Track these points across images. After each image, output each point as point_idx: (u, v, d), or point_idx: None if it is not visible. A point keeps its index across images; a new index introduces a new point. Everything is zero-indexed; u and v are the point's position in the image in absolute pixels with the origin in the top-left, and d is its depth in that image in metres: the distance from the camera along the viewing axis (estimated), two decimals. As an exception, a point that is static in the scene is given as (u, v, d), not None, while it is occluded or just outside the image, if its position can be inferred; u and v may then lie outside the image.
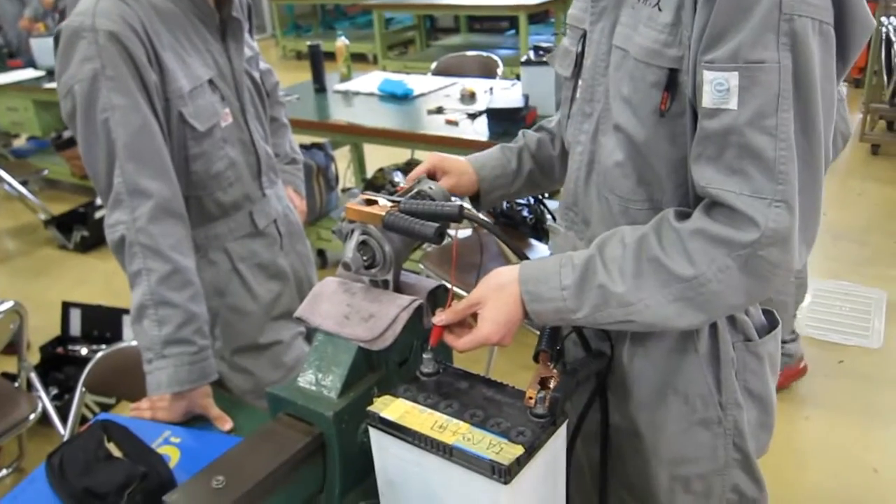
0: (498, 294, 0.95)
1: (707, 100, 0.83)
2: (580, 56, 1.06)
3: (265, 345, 1.49)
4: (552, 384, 0.89)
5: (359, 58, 7.57)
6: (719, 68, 0.82)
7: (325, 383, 1.01)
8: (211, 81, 1.34)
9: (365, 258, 1.04)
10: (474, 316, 0.97)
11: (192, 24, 1.33)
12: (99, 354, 1.70)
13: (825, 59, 0.82)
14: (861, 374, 2.71)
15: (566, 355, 1.10)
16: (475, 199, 1.24)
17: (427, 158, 1.21)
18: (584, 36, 1.05)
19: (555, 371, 0.92)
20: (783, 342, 2.54)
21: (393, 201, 1.03)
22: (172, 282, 1.24)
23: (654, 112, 0.91)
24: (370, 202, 1.04)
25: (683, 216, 0.89)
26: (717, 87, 0.82)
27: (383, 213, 0.99)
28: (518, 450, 0.81)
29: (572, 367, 0.96)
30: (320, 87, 3.61)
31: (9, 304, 2.01)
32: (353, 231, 1.05)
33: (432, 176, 1.19)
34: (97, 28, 1.19)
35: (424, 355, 0.97)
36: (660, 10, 0.89)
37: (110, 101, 1.19)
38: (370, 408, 0.91)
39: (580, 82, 1.06)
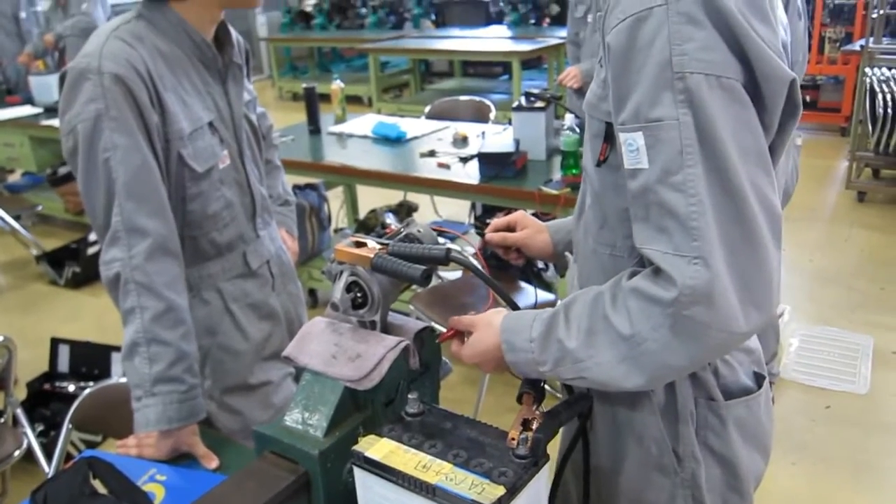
0: (485, 330, 1.02)
1: (626, 161, 0.85)
2: None
3: (255, 385, 1.50)
4: (534, 425, 0.91)
5: (354, 100, 7.68)
6: (628, 129, 0.84)
7: (311, 422, 1.03)
8: (211, 124, 1.37)
9: (353, 299, 1.06)
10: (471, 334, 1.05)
11: (195, 68, 1.36)
12: (87, 391, 1.71)
13: (735, 113, 0.81)
14: (848, 419, 2.72)
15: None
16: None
17: (513, 214, 1.29)
18: None
19: (537, 413, 0.93)
20: None
21: (381, 243, 1.06)
22: (165, 320, 1.25)
23: (596, 162, 0.96)
24: (359, 244, 1.06)
25: (633, 275, 0.90)
26: (630, 148, 0.84)
27: (372, 255, 1.02)
28: (499, 490, 0.82)
29: (555, 409, 0.98)
30: (315, 128, 3.66)
31: (-2, 339, 2.02)
32: (342, 272, 1.07)
33: (513, 228, 1.28)
34: (103, 70, 1.22)
35: (410, 396, 0.98)
36: (601, 66, 0.93)
37: (112, 140, 1.22)
38: (355, 447, 0.92)
39: None
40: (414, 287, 2.98)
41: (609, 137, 0.92)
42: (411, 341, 1.06)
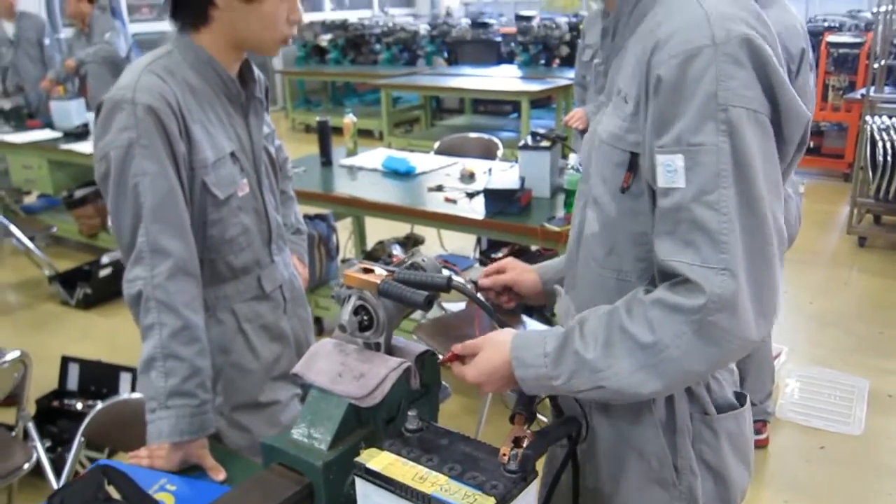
0: (492, 349, 1.07)
1: (660, 180, 0.95)
2: None
3: (264, 403, 1.56)
4: (525, 443, 0.97)
5: (365, 133, 7.80)
6: (667, 151, 0.93)
7: (316, 436, 1.09)
8: (233, 154, 1.46)
9: (360, 322, 1.14)
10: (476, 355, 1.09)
11: (220, 101, 1.46)
12: (99, 406, 1.77)
13: (763, 144, 0.93)
14: (841, 460, 2.76)
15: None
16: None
17: (503, 260, 1.38)
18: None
19: (528, 432, 1.00)
20: None
21: (388, 270, 1.13)
22: (182, 337, 1.32)
23: (619, 189, 1.03)
24: (367, 270, 1.14)
25: (649, 291, 0.98)
26: (667, 169, 0.93)
27: (379, 281, 1.09)
28: (490, 501, 0.89)
29: (544, 429, 1.04)
30: (327, 160, 3.76)
31: (15, 354, 2.09)
32: (350, 296, 1.14)
33: (503, 270, 1.36)
34: (136, 101, 1.31)
35: (409, 413, 1.05)
36: (625, 101, 1.02)
37: (142, 167, 1.31)
38: (357, 459, 0.99)
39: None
40: (417, 316, 3.06)
41: (633, 166, 1.01)
42: (413, 363, 1.13)
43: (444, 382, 1.26)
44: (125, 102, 1.32)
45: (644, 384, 0.96)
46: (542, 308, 3.26)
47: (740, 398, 1.15)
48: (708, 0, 0.95)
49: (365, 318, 1.14)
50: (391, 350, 1.17)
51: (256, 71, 1.55)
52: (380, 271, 1.13)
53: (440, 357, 1.18)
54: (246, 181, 1.49)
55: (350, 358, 1.14)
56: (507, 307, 1.40)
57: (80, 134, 4.91)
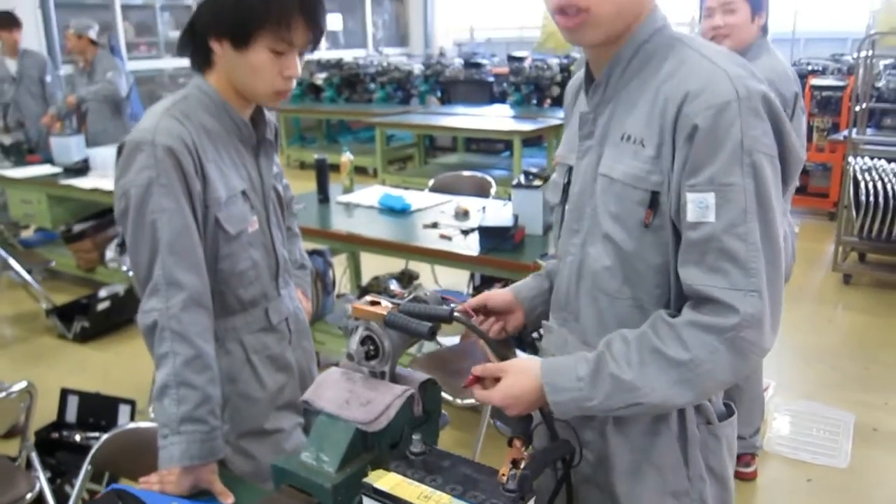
0: (519, 374, 1.16)
1: (691, 215, 1.06)
2: (567, 185, 1.30)
3: (269, 431, 1.62)
4: (522, 464, 1.04)
5: (360, 170, 7.91)
6: (700, 190, 1.05)
7: (325, 459, 1.16)
8: (244, 192, 1.54)
9: (367, 351, 1.21)
10: (497, 380, 1.17)
11: (233, 143, 1.54)
12: (106, 436, 1.82)
13: (777, 183, 1.08)
14: (828, 492, 2.82)
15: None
16: (523, 328, 1.43)
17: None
18: (570, 170, 1.28)
19: (525, 453, 1.07)
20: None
21: (393, 303, 1.21)
22: (194, 365, 1.39)
23: (638, 225, 1.13)
24: (374, 303, 1.21)
25: (673, 315, 1.10)
26: (699, 205, 1.05)
27: (385, 313, 1.17)
28: (491, 518, 0.96)
29: (540, 451, 1.11)
30: (324, 197, 3.85)
31: (21, 385, 2.14)
32: (357, 327, 1.22)
33: (485, 302, 1.41)
34: (156, 143, 1.40)
35: (414, 437, 1.12)
36: (643, 146, 1.12)
37: (160, 204, 1.39)
38: (365, 479, 1.06)
39: (567, 206, 1.29)
40: (413, 351, 3.12)
41: (654, 204, 1.12)
42: (416, 391, 1.20)
43: (443, 411, 1.32)
44: (146, 144, 1.40)
45: (679, 396, 1.08)
46: (533, 342, 3.33)
47: (728, 406, 1.27)
48: (716, 59, 1.09)
49: (371, 347, 1.21)
50: (395, 378, 1.24)
51: (268, 114, 1.64)
52: (386, 304, 1.20)
53: (441, 385, 1.25)
54: (256, 218, 1.57)
55: (357, 385, 1.21)
56: (497, 337, 1.44)
57: (80, 169, 4.98)
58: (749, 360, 1.07)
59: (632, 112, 1.15)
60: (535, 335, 3.30)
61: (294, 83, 1.51)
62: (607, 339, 1.14)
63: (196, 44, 1.48)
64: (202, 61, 1.51)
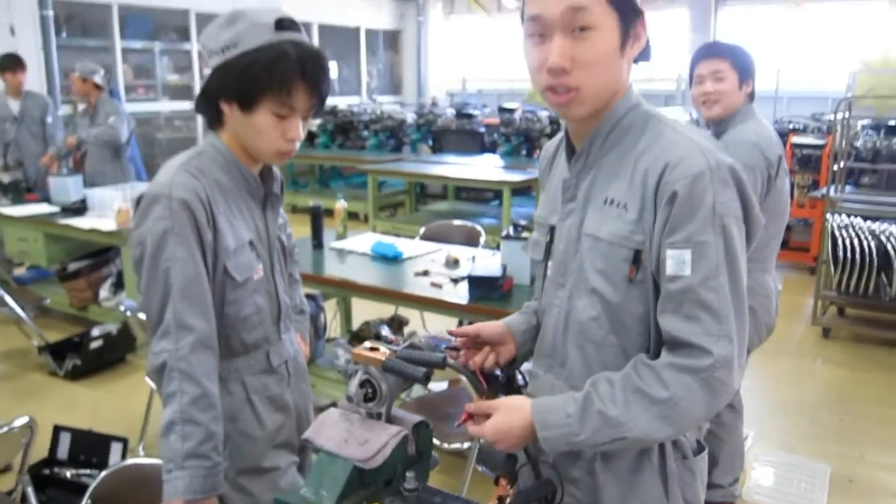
0: (510, 411, 1.26)
1: (670, 269, 1.19)
2: (549, 244, 1.41)
3: (266, 469, 1.69)
4: (508, 501, 1.13)
5: (351, 216, 7.93)
6: (678, 247, 1.18)
7: (324, 493, 1.24)
8: (251, 242, 1.64)
9: (365, 394, 1.30)
10: (488, 416, 1.27)
11: (242, 196, 1.65)
12: (105, 472, 1.88)
13: (742, 242, 1.22)
14: (803, 543, 2.89)
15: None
16: (513, 361, 1.52)
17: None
18: (551, 229, 1.39)
19: (510, 491, 1.16)
20: None
21: (391, 349, 1.31)
22: (200, 404, 1.47)
23: (624, 279, 1.25)
24: (373, 349, 1.31)
25: (652, 358, 1.22)
26: (677, 261, 1.18)
27: (383, 358, 1.27)
28: (478, 549, 1.04)
29: (524, 490, 1.20)
30: (318, 243, 3.95)
31: (24, 420, 2.20)
32: (357, 371, 1.31)
33: (479, 331, 1.49)
34: (172, 196, 1.51)
35: (407, 474, 1.21)
36: (626, 210, 1.25)
37: (174, 253, 1.49)
38: (362, 513, 1.14)
39: (551, 263, 1.41)
40: (402, 395, 3.19)
41: (637, 260, 1.24)
42: (410, 431, 1.29)
43: (434, 454, 1.41)
44: (163, 196, 1.51)
45: (660, 431, 1.19)
46: (519, 389, 3.41)
47: (699, 443, 1.38)
48: (689, 134, 1.24)
49: (370, 390, 1.30)
50: (391, 419, 1.33)
51: (275, 170, 1.76)
52: (384, 350, 1.30)
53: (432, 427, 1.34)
54: (261, 266, 1.67)
55: (355, 426, 1.30)
56: (488, 369, 1.49)
57: (78, 209, 5.08)
58: (720, 398, 1.19)
59: (613, 180, 1.29)
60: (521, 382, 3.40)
61: (297, 145, 1.62)
62: (593, 380, 1.25)
63: (209, 105, 1.60)
64: (215, 121, 1.62)
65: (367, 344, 1.32)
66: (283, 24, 1.53)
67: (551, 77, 1.22)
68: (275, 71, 1.50)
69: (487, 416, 1.27)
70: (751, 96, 2.77)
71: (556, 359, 1.39)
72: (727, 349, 1.17)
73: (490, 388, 1.37)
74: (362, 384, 1.30)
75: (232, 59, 1.52)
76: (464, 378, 1.37)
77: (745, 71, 2.72)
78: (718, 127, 2.77)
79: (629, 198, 1.25)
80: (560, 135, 1.47)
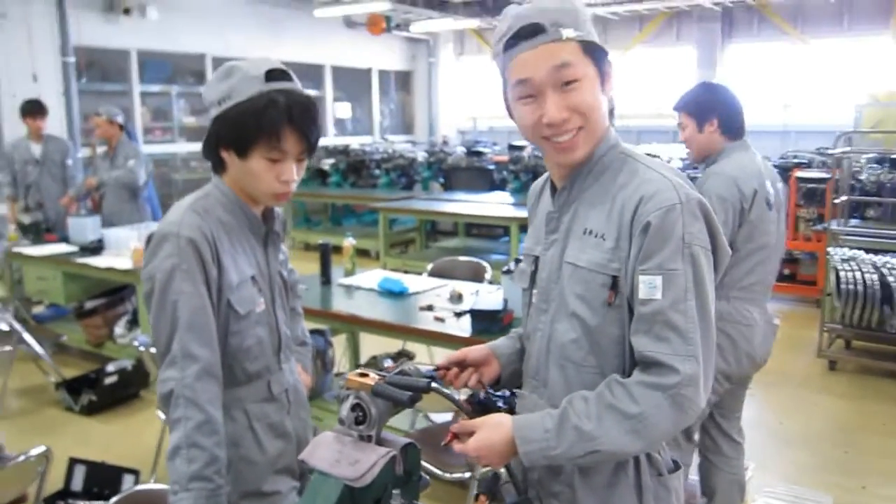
0: (492, 428, 1.35)
1: (642, 294, 1.30)
2: (534, 273, 1.52)
3: (267, 493, 1.78)
4: (486, 517, 1.22)
5: (362, 253, 8.13)
6: (650, 273, 1.29)
7: (317, 511, 1.33)
8: (253, 277, 1.75)
9: (356, 417, 1.39)
10: (471, 434, 1.36)
11: (245, 234, 1.76)
12: (115, 499, 1.95)
13: (710, 269, 1.32)
14: (803, 573, 2.92)
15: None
16: (498, 381, 1.61)
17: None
18: (536, 259, 1.50)
19: (489, 507, 1.24)
20: None
21: (381, 375, 1.40)
22: (204, 429, 1.57)
23: (602, 304, 1.36)
24: (363, 375, 1.40)
25: (625, 377, 1.32)
26: (649, 286, 1.28)
27: (373, 384, 1.36)
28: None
29: (503, 506, 1.29)
30: (326, 279, 4.07)
31: (40, 450, 2.30)
32: (349, 395, 1.40)
33: (465, 355, 1.59)
34: (181, 235, 1.62)
35: (394, 492, 1.29)
36: (604, 240, 1.36)
37: (181, 288, 1.60)
38: (350, 527, 1.22)
39: (535, 290, 1.51)
40: (406, 427, 3.25)
41: (614, 286, 1.35)
42: (398, 452, 1.38)
43: (424, 475, 1.49)
44: (172, 235, 1.63)
45: (631, 444, 1.28)
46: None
47: (675, 462, 1.46)
48: (662, 171, 1.36)
49: (360, 414, 1.39)
50: (381, 441, 1.41)
51: (277, 209, 1.87)
52: (374, 375, 1.39)
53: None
54: (262, 300, 1.77)
55: (346, 447, 1.39)
56: (474, 388, 1.59)
57: (95, 248, 5.23)
58: (687, 414, 1.27)
59: (592, 212, 1.40)
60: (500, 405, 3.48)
61: (294, 186, 1.73)
62: (569, 398, 1.34)
63: (211, 152, 1.73)
64: (217, 166, 1.74)
65: (358, 370, 1.42)
66: (274, 74, 1.66)
67: (550, 130, 1.35)
68: (264, 118, 1.62)
69: (471, 434, 1.36)
70: (733, 131, 2.83)
71: (540, 379, 1.48)
72: (693, 368, 1.26)
73: (473, 409, 1.46)
74: (353, 408, 1.39)
75: (227, 109, 1.65)
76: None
77: (700, 114, 2.83)
78: (706, 163, 2.87)
79: (607, 228, 1.36)
80: (546, 174, 1.58)
